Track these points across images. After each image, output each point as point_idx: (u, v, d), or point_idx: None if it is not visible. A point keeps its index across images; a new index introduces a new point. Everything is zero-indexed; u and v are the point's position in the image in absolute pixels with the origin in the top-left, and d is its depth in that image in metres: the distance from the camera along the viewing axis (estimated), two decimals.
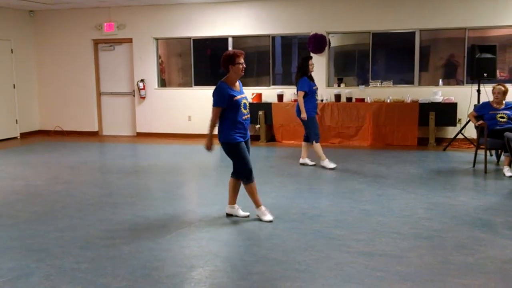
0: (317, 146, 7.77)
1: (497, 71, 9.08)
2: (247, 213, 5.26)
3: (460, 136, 9.21)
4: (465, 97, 9.38)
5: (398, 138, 9.82)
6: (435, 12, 9.89)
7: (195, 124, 11.28)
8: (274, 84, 11.11)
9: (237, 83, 5.10)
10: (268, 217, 5.13)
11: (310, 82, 7.70)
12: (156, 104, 11.71)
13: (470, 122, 8.28)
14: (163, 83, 12.06)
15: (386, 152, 9.18)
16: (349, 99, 10.25)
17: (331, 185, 6.74)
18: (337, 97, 10.29)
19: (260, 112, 10.43)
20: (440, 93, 9.69)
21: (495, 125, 7.28)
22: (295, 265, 3.97)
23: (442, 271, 3.83)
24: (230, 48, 11.08)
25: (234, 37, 11.17)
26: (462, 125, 9.23)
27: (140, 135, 11.90)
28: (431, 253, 4.22)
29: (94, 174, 7.88)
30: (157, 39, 11.72)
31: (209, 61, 12.08)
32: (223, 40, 11.20)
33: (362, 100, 10.14)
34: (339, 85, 10.58)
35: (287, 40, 11.42)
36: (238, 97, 4.98)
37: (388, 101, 9.93)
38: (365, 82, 10.60)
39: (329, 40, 10.63)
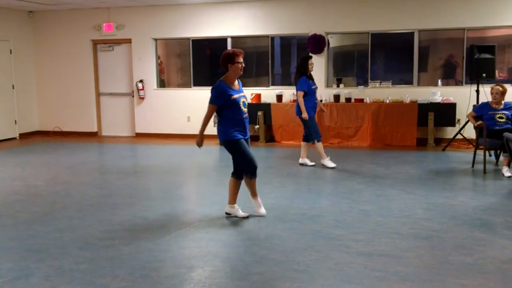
0: (319, 145, 7.79)
1: (496, 71, 9.09)
2: (246, 214, 5.27)
3: (459, 136, 9.21)
4: (464, 97, 9.38)
5: (397, 138, 9.82)
6: (434, 13, 9.89)
7: (194, 124, 11.25)
8: (273, 84, 11.11)
9: (236, 82, 5.11)
10: (262, 210, 5.27)
11: (309, 82, 7.71)
12: (155, 104, 11.71)
13: (469, 123, 8.28)
14: (162, 83, 12.06)
15: (385, 152, 9.19)
16: (348, 100, 10.25)
17: (331, 185, 6.74)
18: (336, 97, 10.29)
19: (259, 113, 10.43)
20: (439, 93, 9.70)
21: (494, 125, 7.29)
22: (295, 265, 3.97)
23: (441, 271, 3.84)
24: (229, 48, 11.08)
25: (233, 38, 11.17)
26: (461, 126, 9.24)
27: (139, 135, 11.90)
28: (430, 253, 4.22)
29: (94, 174, 7.88)
30: (156, 40, 11.72)
31: (208, 62, 12.08)
32: (222, 41, 11.20)
33: (361, 100, 10.15)
34: (338, 86, 10.58)
35: (286, 41, 11.42)
36: (236, 96, 4.99)
37: (387, 101, 9.93)
38: (364, 83, 10.60)
39: (328, 40, 10.63)
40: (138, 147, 10.65)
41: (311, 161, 8.00)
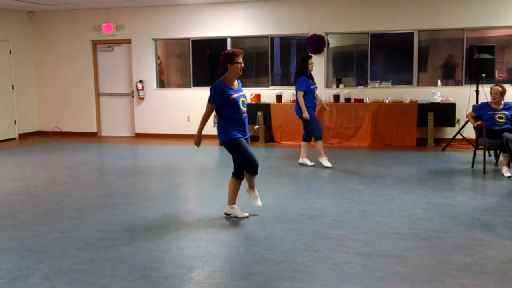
0: (319, 144, 7.83)
1: (496, 71, 9.09)
2: (246, 214, 5.27)
3: (458, 136, 9.21)
4: (464, 97, 9.38)
5: (397, 138, 9.83)
6: (433, 13, 9.90)
7: (194, 124, 11.09)
8: (273, 84, 11.11)
9: (236, 82, 5.11)
10: (259, 202, 5.30)
11: (308, 81, 7.72)
12: (155, 105, 11.70)
13: (469, 123, 8.29)
14: (162, 84, 12.06)
15: (385, 152, 9.19)
16: (347, 100, 10.26)
17: (330, 185, 6.74)
18: (336, 97, 10.30)
19: (259, 113, 10.43)
20: (438, 93, 9.70)
21: (493, 125, 7.29)
22: (294, 265, 3.98)
23: (441, 271, 3.84)
24: (228, 48, 11.07)
25: (232, 38, 11.17)
26: (460, 126, 9.24)
27: (139, 135, 11.90)
28: (430, 253, 4.22)
29: (93, 175, 7.88)
30: (155, 40, 11.72)
31: (208, 62, 12.08)
32: (221, 41, 11.20)
33: (361, 100, 10.15)
34: (337, 86, 10.59)
35: (285, 41, 11.43)
36: (235, 95, 4.99)
37: (387, 101, 9.94)
38: (364, 83, 10.60)
39: (327, 40, 10.63)
40: (137, 147, 10.65)
41: (311, 161, 8.00)
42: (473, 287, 3.57)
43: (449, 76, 10.52)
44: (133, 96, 11.90)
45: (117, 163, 8.79)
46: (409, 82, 10.34)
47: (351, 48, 11.23)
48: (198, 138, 5.10)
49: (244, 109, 5.07)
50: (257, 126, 10.60)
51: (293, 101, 9.81)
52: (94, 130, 12.24)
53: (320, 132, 7.82)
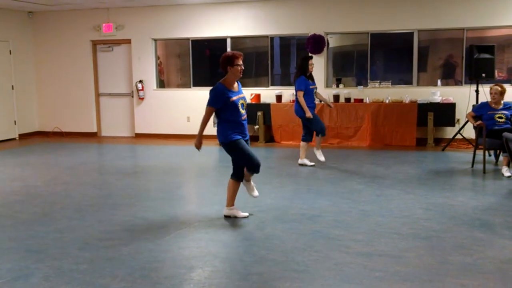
0: (319, 139, 7.92)
1: (495, 71, 9.09)
2: (246, 214, 5.27)
3: (458, 136, 9.22)
4: (464, 97, 9.39)
5: (397, 138, 9.83)
6: (433, 13, 9.90)
7: (194, 125, 11.25)
8: (272, 84, 11.11)
9: (236, 84, 5.10)
10: (255, 192, 5.32)
11: (307, 81, 7.74)
12: (155, 105, 11.71)
13: (469, 122, 8.29)
14: (161, 84, 12.06)
15: (385, 152, 9.19)
16: (347, 100, 10.26)
17: (330, 185, 6.75)
18: (336, 97, 10.30)
19: (259, 113, 10.43)
20: (438, 93, 9.70)
21: (493, 125, 7.29)
22: (294, 265, 3.98)
23: (441, 271, 3.84)
24: (228, 49, 11.09)
25: (232, 38, 11.17)
26: (460, 126, 9.25)
27: (139, 136, 11.90)
28: (429, 253, 4.22)
29: (93, 175, 7.88)
30: (155, 40, 11.72)
31: (208, 62, 12.09)
32: (221, 41, 11.20)
33: (361, 100, 10.15)
34: (337, 86, 10.59)
35: (285, 41, 11.43)
36: (235, 98, 4.99)
37: (387, 101, 9.94)
38: (364, 83, 10.60)
39: (327, 40, 10.64)
40: (137, 147, 10.65)
41: (311, 161, 8.01)
42: (473, 287, 3.57)
43: (449, 76, 10.53)
44: (133, 96, 11.90)
45: (117, 163, 8.79)
46: (409, 82, 10.34)
47: (351, 48, 11.23)
48: (199, 141, 5.07)
49: (243, 111, 5.07)
50: (257, 126, 10.60)
51: (293, 101, 9.81)
52: (94, 130, 12.25)
53: (323, 128, 7.87)
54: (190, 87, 11.58)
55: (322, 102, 8.76)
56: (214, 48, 11.66)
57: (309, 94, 7.77)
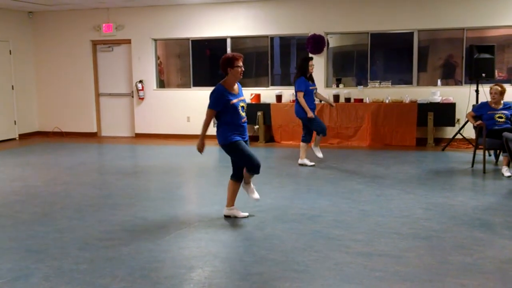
0: (319, 137, 7.94)
1: (496, 71, 9.09)
2: (246, 214, 5.27)
3: (458, 136, 9.21)
4: (464, 97, 9.39)
5: (397, 138, 9.83)
6: (433, 13, 9.90)
7: (194, 125, 11.27)
8: (272, 84, 11.11)
9: (236, 86, 5.09)
10: (256, 194, 5.26)
11: (307, 82, 7.75)
12: (155, 105, 11.71)
13: (469, 122, 8.29)
14: (161, 84, 12.06)
15: (385, 152, 9.19)
16: (347, 100, 10.26)
17: (330, 185, 6.75)
18: (336, 97, 10.30)
19: (259, 113, 10.43)
20: (438, 93, 9.70)
21: (493, 125, 7.29)
22: (294, 265, 3.98)
23: (441, 271, 3.84)
24: (228, 49, 11.09)
25: (232, 38, 11.17)
26: (460, 125, 9.25)
27: (139, 136, 11.90)
28: (429, 253, 4.22)
29: (93, 175, 7.88)
30: (155, 40, 11.72)
31: (208, 62, 12.09)
32: (221, 41, 11.20)
33: (361, 100, 10.15)
34: (337, 86, 10.59)
35: (285, 41, 11.43)
36: (235, 100, 4.98)
37: (387, 101, 9.94)
38: (364, 83, 10.60)
39: (327, 40, 10.63)
40: (137, 147, 10.65)
41: (311, 162, 8.01)
42: (473, 287, 3.57)
43: (449, 76, 10.53)
44: (133, 96, 11.90)
45: (117, 163, 8.79)
46: (409, 82, 10.34)
47: (351, 48, 11.23)
48: (201, 144, 5.03)
49: (243, 114, 5.06)
50: (257, 126, 10.60)
51: (293, 101, 9.82)
52: (94, 130, 12.25)
53: (324, 128, 7.88)
54: (190, 87, 11.58)
55: (323, 102, 8.76)
56: (214, 48, 11.66)
57: (309, 95, 7.78)
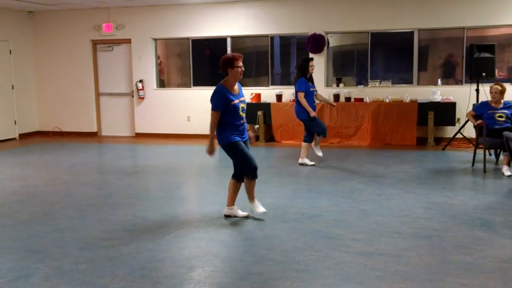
0: (319, 138, 7.97)
1: (496, 70, 9.09)
2: (246, 213, 5.27)
3: (459, 135, 9.21)
4: (464, 96, 9.38)
5: (397, 137, 9.82)
6: (433, 12, 9.89)
7: (194, 124, 11.28)
8: (273, 84, 11.11)
9: (236, 86, 5.09)
10: (261, 208, 5.21)
11: (307, 83, 7.76)
12: (155, 104, 11.70)
13: (469, 122, 8.28)
14: (162, 83, 12.06)
15: (385, 151, 9.18)
16: (348, 99, 10.25)
17: (330, 185, 6.74)
18: (336, 97, 10.29)
19: (259, 112, 10.43)
20: (439, 92, 9.70)
21: (493, 124, 7.29)
22: (295, 265, 3.97)
23: (441, 270, 3.84)
24: (228, 48, 11.09)
25: (232, 38, 11.17)
26: (461, 125, 9.24)
27: (139, 135, 11.90)
28: (430, 252, 4.22)
29: (93, 174, 7.88)
30: (155, 40, 11.71)
31: (208, 62, 12.08)
32: (222, 41, 11.20)
33: (361, 100, 10.14)
34: (337, 85, 10.58)
35: (285, 40, 11.43)
36: (236, 101, 4.97)
37: (387, 100, 9.93)
38: (364, 82, 10.60)
39: (327, 40, 10.63)
40: (138, 147, 10.65)
41: (311, 161, 8.01)
42: (474, 286, 3.57)
43: (449, 75, 10.52)
44: (133, 96, 11.90)
45: (117, 163, 8.79)
46: (409, 81, 10.33)
47: (351, 47, 11.23)
48: (212, 147, 4.99)
49: (243, 114, 5.05)
50: (257, 126, 10.59)
51: (293, 100, 9.81)
52: (94, 130, 12.24)
53: (324, 130, 7.88)
54: (190, 87, 11.57)
55: (323, 102, 8.77)
56: (214, 48, 11.66)
57: (310, 96, 7.78)
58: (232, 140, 4.99)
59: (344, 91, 10.34)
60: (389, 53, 11.18)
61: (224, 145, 5.05)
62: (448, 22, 9.86)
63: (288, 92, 10.53)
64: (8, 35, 11.62)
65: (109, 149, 10.60)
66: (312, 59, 7.97)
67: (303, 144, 8.01)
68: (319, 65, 10.31)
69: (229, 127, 4.99)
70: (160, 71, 12.01)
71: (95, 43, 12.04)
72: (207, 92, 5.16)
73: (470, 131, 9.04)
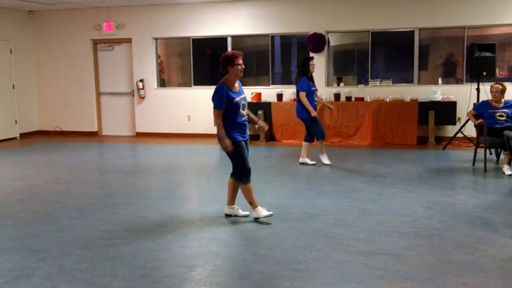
0: (320, 144, 7.91)
1: (497, 69, 9.09)
2: (246, 213, 5.26)
3: (459, 134, 9.21)
4: (465, 95, 9.38)
5: (398, 137, 9.82)
6: (434, 11, 9.89)
7: (195, 124, 11.28)
8: (273, 83, 11.11)
9: (237, 84, 5.09)
10: (266, 212, 5.11)
11: (309, 83, 7.75)
12: (156, 104, 11.71)
13: (470, 121, 8.28)
14: (162, 83, 12.06)
15: (386, 151, 9.18)
16: (348, 98, 10.25)
17: (331, 184, 6.75)
18: (337, 96, 10.29)
19: (260, 112, 10.42)
20: (439, 92, 9.69)
21: (494, 123, 7.28)
22: (295, 264, 3.98)
23: (442, 269, 3.84)
24: (229, 47, 11.09)
25: (233, 37, 11.17)
26: (461, 124, 9.24)
27: (140, 135, 11.90)
28: (430, 251, 4.22)
29: (94, 174, 7.88)
30: (156, 39, 11.71)
31: (209, 61, 12.08)
32: (222, 40, 11.20)
33: (362, 99, 10.14)
34: (338, 84, 10.58)
35: (286, 40, 11.42)
36: (237, 98, 4.98)
37: (388, 100, 9.93)
38: (365, 81, 10.59)
39: (328, 39, 10.63)
40: (138, 146, 10.66)
41: (311, 160, 8.01)
42: (474, 285, 3.57)
43: (450, 74, 10.51)
44: (133, 95, 11.90)
45: (117, 162, 8.79)
46: (409, 81, 10.33)
47: (351, 46, 11.22)
48: (226, 144, 4.91)
49: (244, 112, 5.05)
50: (257, 126, 10.57)
51: (294, 99, 9.82)
52: (95, 129, 12.25)
53: (322, 132, 7.87)
54: (191, 86, 11.57)
55: (320, 103, 8.76)
56: (215, 47, 11.65)
57: (311, 95, 7.78)
58: (234, 140, 4.99)
59: (344, 90, 10.34)
60: (390, 52, 11.17)
61: None
62: (449, 21, 9.86)
63: (288, 92, 10.53)
64: (8, 34, 11.63)
65: (110, 148, 10.60)
66: (312, 58, 7.97)
67: (304, 143, 8.02)
68: (319, 65, 10.31)
69: (231, 125, 4.98)
70: (160, 71, 12.01)
71: (95, 42, 12.05)
72: (208, 91, 5.17)
73: (470, 130, 9.03)
